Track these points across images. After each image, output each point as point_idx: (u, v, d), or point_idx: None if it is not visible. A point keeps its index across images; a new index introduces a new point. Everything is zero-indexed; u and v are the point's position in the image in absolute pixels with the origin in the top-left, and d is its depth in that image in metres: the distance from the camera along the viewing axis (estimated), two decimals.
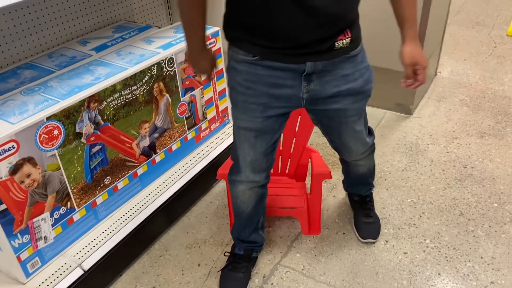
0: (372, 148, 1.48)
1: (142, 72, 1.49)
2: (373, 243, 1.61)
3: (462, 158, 2.03)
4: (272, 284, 1.49)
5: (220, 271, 1.50)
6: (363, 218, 1.66)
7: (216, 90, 1.88)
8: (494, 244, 1.59)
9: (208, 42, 1.68)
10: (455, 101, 2.47)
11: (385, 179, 1.93)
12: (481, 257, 1.55)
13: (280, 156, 1.78)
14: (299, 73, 1.11)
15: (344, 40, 1.08)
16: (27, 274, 1.30)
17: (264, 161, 1.30)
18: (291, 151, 1.76)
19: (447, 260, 1.54)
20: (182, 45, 1.62)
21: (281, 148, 1.76)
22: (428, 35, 2.17)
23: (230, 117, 1.97)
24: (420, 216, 1.73)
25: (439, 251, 1.58)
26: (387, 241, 1.63)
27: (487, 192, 1.83)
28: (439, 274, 1.50)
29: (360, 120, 1.31)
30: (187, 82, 1.70)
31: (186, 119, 1.76)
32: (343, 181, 1.75)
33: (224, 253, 1.58)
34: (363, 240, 1.62)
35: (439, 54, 2.67)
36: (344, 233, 1.67)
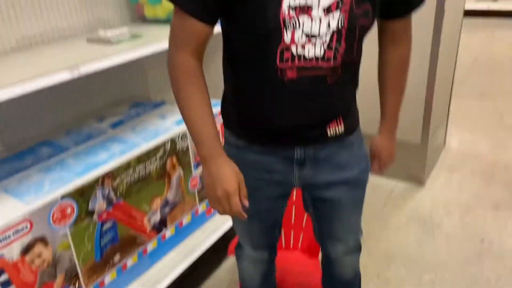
0: (360, 246, 1.30)
1: (156, 148, 1.52)
2: None
3: (478, 231, 1.98)
4: None
5: None
6: None
7: None
8: None
9: (219, 117, 1.72)
10: (467, 172, 2.46)
11: (401, 254, 1.87)
12: None
13: (292, 230, 1.75)
14: (289, 159, 1.05)
15: (337, 128, 1.02)
16: None
17: (263, 239, 1.26)
18: (303, 225, 1.74)
19: None
20: None
21: (292, 221, 1.74)
22: (435, 106, 2.22)
23: None
24: None
25: None
26: None
27: (507, 268, 1.76)
28: None
29: (356, 211, 1.21)
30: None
31: (197, 192, 1.76)
32: None
33: None
34: None
35: (447, 125, 2.70)
36: None
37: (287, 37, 0.87)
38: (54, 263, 1.25)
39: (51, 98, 1.59)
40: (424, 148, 2.28)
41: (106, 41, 1.44)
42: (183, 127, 1.61)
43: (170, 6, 1.63)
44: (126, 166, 1.42)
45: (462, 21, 2.47)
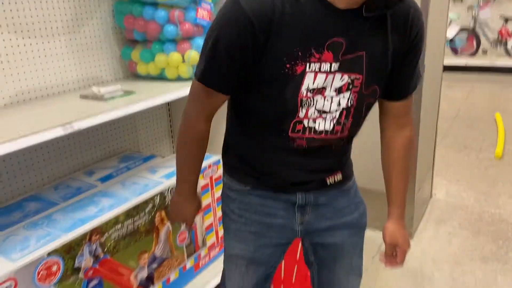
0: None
1: (145, 202, 1.52)
2: None
3: (469, 286, 1.97)
4: None
5: None
6: None
7: (216, 216, 1.89)
8: None
9: (209, 170, 1.75)
10: (454, 224, 2.48)
11: None
12: None
13: (282, 285, 1.73)
14: (291, 203, 1.10)
15: (335, 177, 1.10)
16: None
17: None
18: (293, 281, 1.71)
19: None
20: None
21: (282, 276, 1.72)
22: (420, 157, 2.27)
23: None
24: None
25: None
26: None
27: None
28: None
29: (357, 257, 1.23)
30: None
31: (185, 247, 1.74)
32: None
33: None
34: None
35: (432, 176, 2.75)
36: None
37: (301, 113, 0.96)
38: None
39: (41, 153, 1.60)
40: (411, 200, 2.30)
41: (100, 98, 1.48)
42: (172, 181, 1.62)
43: (162, 64, 1.71)
44: (115, 221, 1.41)
45: (442, 75, 2.59)
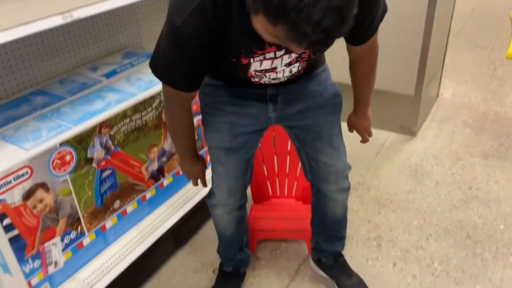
0: (349, 184, 1.38)
1: (152, 98, 1.52)
2: None
3: (467, 179, 2.04)
4: None
5: None
6: (347, 281, 1.51)
7: None
8: (502, 267, 1.59)
9: None
10: (458, 122, 2.49)
11: (391, 201, 1.94)
12: (490, 280, 1.54)
13: (287, 179, 1.80)
14: (263, 96, 1.19)
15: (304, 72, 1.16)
16: None
17: (236, 182, 1.32)
18: (297, 174, 1.78)
19: (455, 283, 1.54)
20: None
21: (287, 170, 1.78)
22: (430, 57, 2.21)
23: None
24: (427, 238, 1.73)
25: (448, 274, 1.58)
26: (395, 264, 1.62)
27: (493, 213, 1.84)
28: None
29: (337, 136, 1.30)
30: (194, 107, 1.73)
31: None
32: (314, 246, 1.56)
33: (213, 271, 1.58)
34: None
35: (441, 77, 2.71)
36: (352, 256, 1.67)
37: (255, 80, 1.12)
38: (56, 208, 1.28)
39: (42, 46, 1.57)
40: (418, 99, 2.29)
41: None
42: None
43: None
44: (123, 115, 1.43)
45: None
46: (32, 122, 1.33)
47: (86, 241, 1.42)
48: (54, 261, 1.32)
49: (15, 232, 1.18)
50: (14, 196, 1.16)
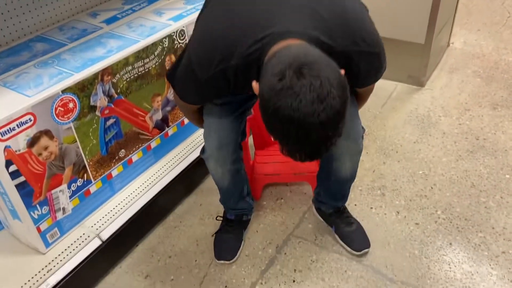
0: (361, 148, 1.32)
1: (154, 45, 1.48)
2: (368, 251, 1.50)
3: (474, 130, 2.02)
4: (285, 253, 1.51)
5: (214, 235, 1.55)
6: (346, 228, 1.52)
7: None
8: (505, 215, 1.60)
9: None
10: (468, 72, 2.44)
11: (397, 152, 1.93)
12: (493, 228, 1.56)
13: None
14: None
15: None
16: (47, 244, 1.34)
17: (228, 134, 1.28)
18: None
19: (458, 231, 1.56)
20: (193, 16, 1.59)
21: None
22: (442, 5, 2.12)
23: None
24: (432, 187, 1.74)
25: (451, 222, 1.59)
26: (398, 212, 1.64)
27: (499, 163, 1.83)
28: (450, 244, 1.51)
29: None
30: None
31: None
32: (316, 196, 1.58)
33: (216, 218, 1.61)
34: (358, 253, 1.48)
35: (452, 25, 2.62)
36: (355, 204, 1.68)
37: None
38: (61, 156, 1.28)
39: None
40: (428, 48, 2.22)
41: None
42: (181, 24, 1.56)
43: None
44: (125, 62, 1.40)
45: None
46: (33, 69, 1.30)
47: (93, 188, 1.43)
48: (62, 207, 1.34)
49: (22, 178, 1.19)
50: (19, 143, 1.16)
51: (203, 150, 1.37)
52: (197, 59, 1.05)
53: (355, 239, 1.51)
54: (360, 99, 1.29)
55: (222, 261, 1.48)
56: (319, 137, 0.84)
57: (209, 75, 1.03)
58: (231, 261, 1.49)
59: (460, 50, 2.64)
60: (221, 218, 1.58)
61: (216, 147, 1.30)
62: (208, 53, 1.02)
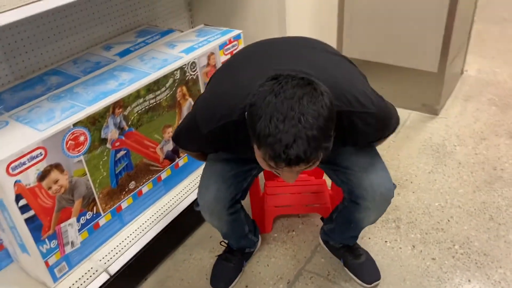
0: (389, 203, 1.26)
1: (165, 77, 1.49)
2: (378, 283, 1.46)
3: (491, 159, 1.97)
4: None
5: (216, 257, 1.54)
6: (355, 260, 1.48)
7: None
8: None
9: (230, 45, 1.69)
10: (483, 100, 2.40)
11: (411, 182, 1.89)
12: None
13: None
14: None
15: None
16: (55, 279, 1.32)
17: (228, 186, 1.24)
18: None
19: (477, 267, 1.50)
20: (205, 49, 1.61)
21: None
22: (455, 33, 2.11)
23: None
24: (449, 220, 1.69)
25: (469, 257, 1.53)
26: (414, 246, 1.59)
27: None
28: (469, 280, 1.45)
29: (370, 152, 1.26)
30: None
31: None
32: (325, 231, 1.52)
33: (221, 242, 1.57)
34: (369, 286, 1.44)
35: (466, 52, 2.60)
36: (369, 238, 1.64)
37: None
38: (71, 189, 1.28)
39: (55, 25, 1.55)
40: (441, 76, 2.20)
41: None
42: (192, 56, 1.57)
43: None
44: (136, 95, 1.41)
45: None
46: (46, 102, 1.32)
47: (102, 221, 1.42)
48: (70, 241, 1.33)
49: (31, 213, 1.19)
50: (29, 177, 1.16)
51: (196, 204, 1.31)
52: (201, 115, 1.11)
53: (365, 271, 1.47)
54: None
55: None
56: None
57: (210, 129, 1.07)
58: None
59: (474, 78, 2.62)
60: (225, 245, 1.55)
61: (212, 199, 1.25)
62: (212, 109, 1.09)
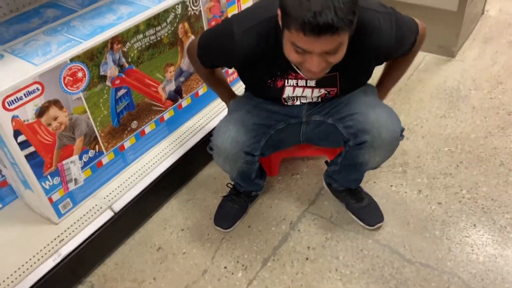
0: (396, 146, 1.25)
1: (166, 12, 1.42)
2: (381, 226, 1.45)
3: (506, 104, 1.90)
4: (299, 230, 1.48)
5: (222, 198, 1.55)
6: (357, 203, 1.47)
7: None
8: None
9: None
10: (503, 42, 2.28)
11: (422, 127, 1.84)
12: None
13: None
14: (297, 116, 1.32)
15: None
16: (59, 215, 1.34)
17: (247, 134, 1.21)
18: None
19: (483, 211, 1.48)
20: None
21: None
22: None
23: None
24: (458, 165, 1.65)
25: (476, 202, 1.51)
26: (420, 191, 1.57)
27: None
28: (474, 225, 1.44)
29: (371, 97, 1.28)
30: (213, 23, 1.62)
31: None
32: (329, 173, 1.48)
33: (227, 184, 1.57)
34: (371, 228, 1.44)
35: None
36: (375, 182, 1.62)
37: (288, 103, 1.28)
38: (72, 126, 1.26)
39: None
40: (460, 16, 2.08)
41: None
42: None
43: None
44: (135, 30, 1.34)
45: None
46: (42, 36, 1.27)
47: (105, 160, 1.42)
48: (74, 178, 1.33)
49: (31, 149, 1.18)
50: (27, 113, 1.13)
51: (210, 148, 1.28)
52: (237, 16, 1.15)
53: (367, 214, 1.46)
54: (397, 68, 1.35)
55: (218, 228, 1.48)
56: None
57: (245, 28, 1.10)
58: (227, 230, 1.48)
59: (495, 19, 2.47)
60: (231, 186, 1.55)
61: (231, 141, 1.20)
62: (250, 14, 1.14)
